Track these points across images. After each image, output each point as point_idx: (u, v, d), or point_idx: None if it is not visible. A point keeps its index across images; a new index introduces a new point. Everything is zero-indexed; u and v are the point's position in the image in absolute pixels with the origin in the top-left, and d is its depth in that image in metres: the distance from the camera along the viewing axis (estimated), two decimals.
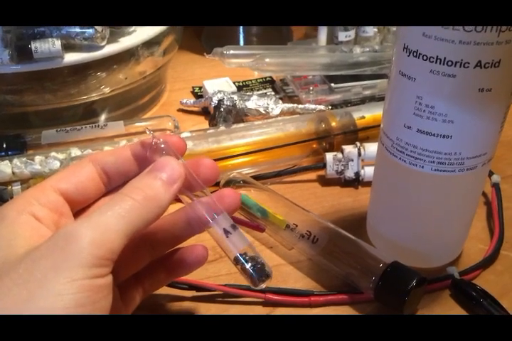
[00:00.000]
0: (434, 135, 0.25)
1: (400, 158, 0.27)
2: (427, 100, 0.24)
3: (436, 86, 0.24)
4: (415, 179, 0.27)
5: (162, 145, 0.22)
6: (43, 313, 0.16)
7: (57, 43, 0.36)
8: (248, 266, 0.21)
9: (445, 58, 0.23)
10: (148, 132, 0.23)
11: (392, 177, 0.29)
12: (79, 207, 0.22)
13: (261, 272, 0.21)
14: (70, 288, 0.17)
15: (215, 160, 0.37)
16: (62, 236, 0.18)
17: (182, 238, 0.25)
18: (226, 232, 0.22)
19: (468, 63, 0.22)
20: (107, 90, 0.41)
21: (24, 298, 0.16)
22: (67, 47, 0.37)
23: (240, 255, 0.21)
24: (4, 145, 0.38)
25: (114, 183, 0.23)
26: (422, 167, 0.26)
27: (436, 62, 0.23)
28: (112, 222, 0.18)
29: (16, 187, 0.34)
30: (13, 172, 0.36)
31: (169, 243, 0.25)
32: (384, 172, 0.30)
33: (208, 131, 0.40)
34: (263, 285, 0.21)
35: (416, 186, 0.28)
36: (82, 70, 0.39)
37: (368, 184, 0.36)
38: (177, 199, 0.24)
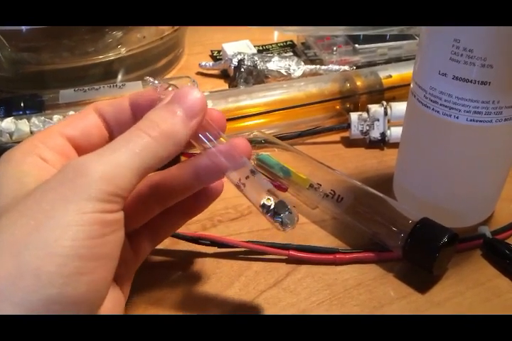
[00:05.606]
0: (471, 81, 0.23)
1: (433, 109, 0.25)
2: (465, 43, 0.23)
3: (476, 26, 0.22)
4: (449, 131, 0.26)
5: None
6: (49, 244, 0.16)
7: None
8: (273, 208, 0.20)
9: None
10: (149, 81, 0.22)
11: (423, 131, 0.27)
12: (85, 154, 0.22)
13: (287, 214, 0.20)
14: (79, 220, 0.16)
15: (234, 119, 0.37)
16: (71, 168, 0.17)
17: (189, 190, 0.24)
18: (249, 176, 0.21)
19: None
20: (124, 50, 0.40)
21: (31, 228, 0.16)
22: None
23: (266, 197, 0.20)
24: (22, 105, 0.37)
25: (116, 133, 0.22)
26: (457, 117, 0.25)
27: None
28: (124, 159, 0.18)
29: None
30: (31, 131, 0.35)
31: (177, 194, 0.23)
32: (415, 126, 0.28)
33: (228, 91, 0.39)
34: (290, 228, 0.20)
35: (449, 139, 0.26)
36: (99, 28, 0.38)
37: (394, 145, 0.35)
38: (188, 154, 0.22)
